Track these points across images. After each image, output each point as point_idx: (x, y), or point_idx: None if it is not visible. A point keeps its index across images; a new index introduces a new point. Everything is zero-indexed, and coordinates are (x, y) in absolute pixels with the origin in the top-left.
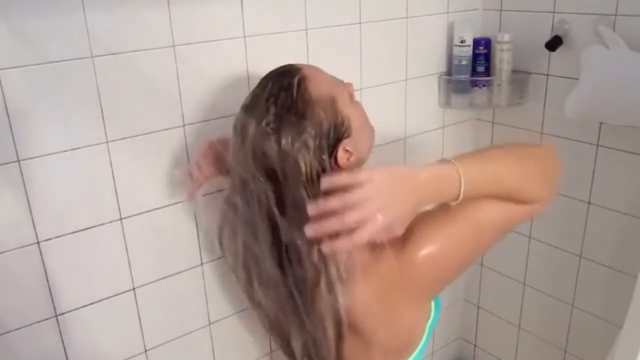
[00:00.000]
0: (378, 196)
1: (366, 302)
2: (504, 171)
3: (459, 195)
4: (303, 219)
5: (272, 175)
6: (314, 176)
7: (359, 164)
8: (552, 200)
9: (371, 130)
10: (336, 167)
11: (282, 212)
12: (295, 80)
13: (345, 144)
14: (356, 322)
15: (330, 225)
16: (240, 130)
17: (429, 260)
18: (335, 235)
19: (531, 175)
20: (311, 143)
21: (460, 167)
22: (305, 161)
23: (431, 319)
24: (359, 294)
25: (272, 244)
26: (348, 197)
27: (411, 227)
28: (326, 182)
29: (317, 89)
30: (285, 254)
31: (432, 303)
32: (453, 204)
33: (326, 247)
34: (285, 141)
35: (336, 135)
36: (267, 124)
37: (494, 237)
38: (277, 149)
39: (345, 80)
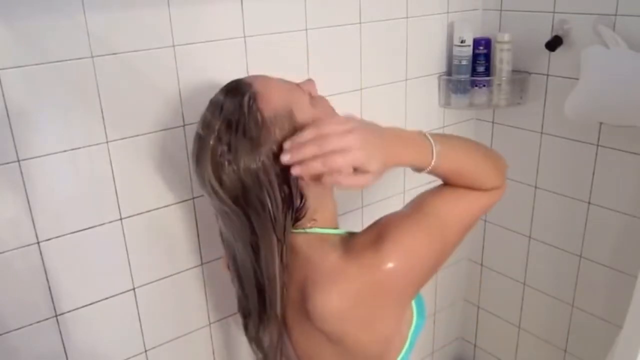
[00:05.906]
0: (358, 131)
1: (340, 309)
2: (469, 147)
3: (431, 160)
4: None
5: (237, 202)
6: (279, 204)
7: None
8: (504, 192)
9: None
10: (302, 181)
11: (256, 246)
12: (246, 100)
13: None
14: (332, 330)
15: (309, 150)
16: (196, 160)
17: (402, 267)
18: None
19: (490, 159)
20: (270, 169)
21: (431, 137)
22: (269, 191)
23: (413, 326)
24: (333, 302)
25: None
26: (326, 128)
27: (381, 233)
28: (311, 132)
29: (270, 105)
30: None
31: (415, 310)
32: (426, 171)
33: (296, 171)
34: (243, 168)
35: None
36: (221, 155)
37: (459, 233)
38: (236, 177)
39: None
